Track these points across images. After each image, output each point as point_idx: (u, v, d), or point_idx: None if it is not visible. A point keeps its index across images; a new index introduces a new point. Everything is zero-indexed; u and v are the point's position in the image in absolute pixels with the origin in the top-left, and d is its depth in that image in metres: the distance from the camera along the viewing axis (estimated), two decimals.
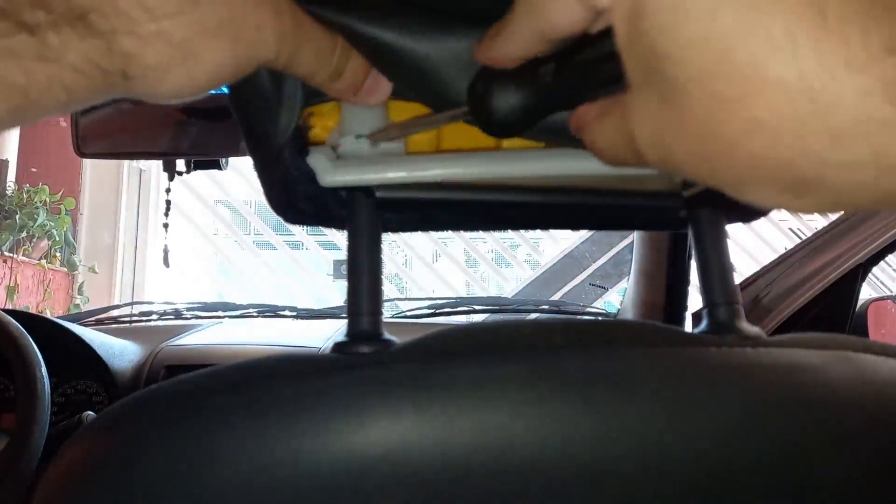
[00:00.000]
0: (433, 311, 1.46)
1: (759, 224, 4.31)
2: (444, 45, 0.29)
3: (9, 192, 3.23)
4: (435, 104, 0.31)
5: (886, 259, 0.94)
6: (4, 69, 0.24)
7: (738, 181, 0.21)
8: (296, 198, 0.34)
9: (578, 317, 1.57)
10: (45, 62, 0.24)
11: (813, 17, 0.18)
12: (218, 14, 0.26)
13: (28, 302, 3.31)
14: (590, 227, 0.40)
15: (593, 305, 1.85)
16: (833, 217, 0.96)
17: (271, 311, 1.37)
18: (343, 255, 0.34)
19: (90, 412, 0.94)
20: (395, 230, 0.35)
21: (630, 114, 0.23)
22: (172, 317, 1.34)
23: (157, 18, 0.25)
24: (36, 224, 3.22)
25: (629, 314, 1.21)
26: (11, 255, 3.17)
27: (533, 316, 1.78)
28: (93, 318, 1.33)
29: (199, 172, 1.02)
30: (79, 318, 1.31)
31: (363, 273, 0.30)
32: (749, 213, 0.34)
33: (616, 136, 0.24)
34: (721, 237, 0.32)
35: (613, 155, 0.25)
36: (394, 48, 0.29)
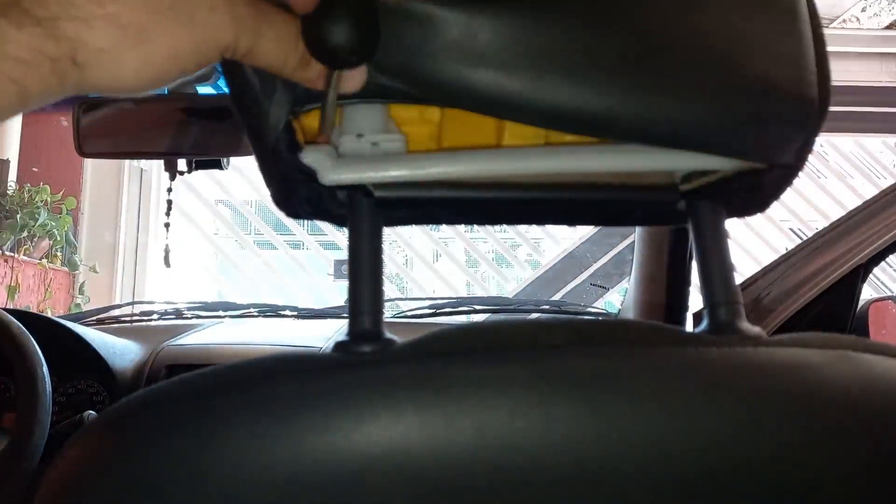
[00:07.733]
0: (434, 311, 1.46)
1: (760, 224, 4.31)
2: None
3: (10, 192, 3.23)
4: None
5: (887, 259, 0.94)
6: None
7: None
8: (294, 195, 0.34)
9: (579, 317, 1.57)
10: None
11: None
12: None
13: (29, 301, 3.31)
14: (589, 223, 0.40)
15: (594, 305, 1.85)
16: (834, 219, 0.97)
17: (272, 311, 1.37)
18: (343, 254, 0.34)
19: (91, 412, 0.94)
20: (395, 224, 0.35)
21: None
22: (173, 316, 1.34)
23: (102, 2, 0.25)
24: (37, 223, 3.22)
25: (630, 314, 1.21)
26: (13, 254, 3.18)
27: (534, 316, 1.78)
28: (94, 318, 1.32)
29: (200, 172, 1.02)
30: (80, 318, 1.31)
31: (364, 272, 0.30)
32: (747, 208, 0.34)
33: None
34: (721, 233, 0.32)
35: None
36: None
